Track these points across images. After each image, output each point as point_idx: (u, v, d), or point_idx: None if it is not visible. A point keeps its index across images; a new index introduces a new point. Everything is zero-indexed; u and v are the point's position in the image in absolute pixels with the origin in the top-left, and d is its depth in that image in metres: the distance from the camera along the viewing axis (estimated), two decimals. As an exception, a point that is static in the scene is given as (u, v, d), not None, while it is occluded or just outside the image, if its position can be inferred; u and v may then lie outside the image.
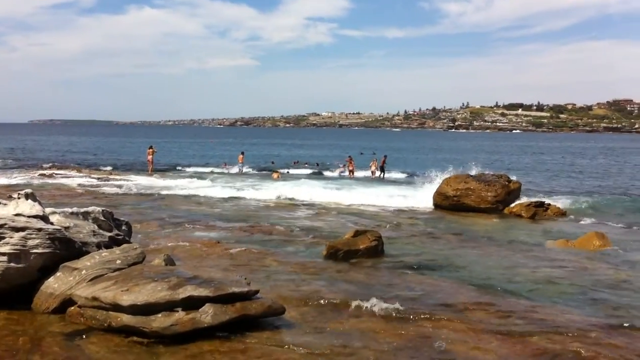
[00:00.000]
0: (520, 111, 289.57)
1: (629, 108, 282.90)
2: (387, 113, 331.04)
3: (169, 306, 7.28)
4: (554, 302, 9.69)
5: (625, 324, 8.55)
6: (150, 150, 39.38)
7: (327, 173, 41.50)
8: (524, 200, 22.16)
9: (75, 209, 9.87)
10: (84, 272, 8.23)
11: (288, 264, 11.95)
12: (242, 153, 42.46)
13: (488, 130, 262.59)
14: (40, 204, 8.89)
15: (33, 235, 8.21)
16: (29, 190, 9.00)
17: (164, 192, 25.24)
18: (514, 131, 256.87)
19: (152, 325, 7.17)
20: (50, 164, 41.23)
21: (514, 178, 23.96)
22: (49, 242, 8.34)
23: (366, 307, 8.78)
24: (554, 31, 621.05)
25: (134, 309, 7.28)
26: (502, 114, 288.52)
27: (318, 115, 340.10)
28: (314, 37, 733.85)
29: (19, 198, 8.78)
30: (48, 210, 9.26)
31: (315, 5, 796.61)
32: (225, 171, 41.00)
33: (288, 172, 41.25)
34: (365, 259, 12.79)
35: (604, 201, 22.15)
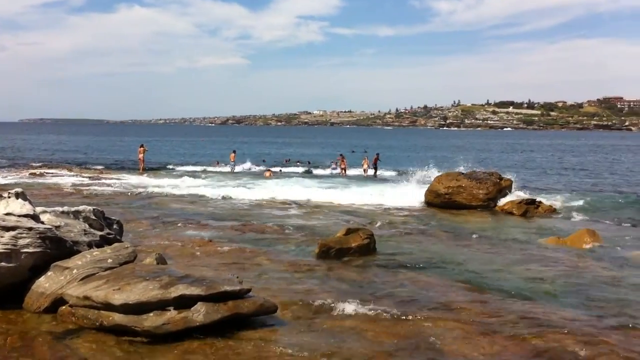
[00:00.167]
0: (511, 109, 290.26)
1: (619, 105, 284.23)
2: (379, 111, 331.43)
3: (160, 305, 7.26)
4: (546, 299, 9.72)
5: (618, 322, 8.60)
6: (142, 149, 39.21)
7: (318, 171, 41.48)
8: (515, 197, 22.21)
9: (66, 208, 9.82)
10: (75, 271, 8.19)
11: (280, 263, 11.94)
12: (234, 152, 42.38)
13: (479, 128, 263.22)
14: (30, 203, 8.85)
15: (24, 235, 8.17)
16: (19, 190, 8.96)
17: (155, 191, 25.16)
18: (505, 129, 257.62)
19: (144, 324, 7.15)
20: (41, 163, 41.05)
21: (505, 175, 24.03)
22: (39, 241, 8.30)
23: (359, 306, 8.77)
24: (544, 29, 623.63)
25: (126, 308, 7.25)
26: (493, 112, 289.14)
27: (309, 113, 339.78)
28: (305, 35, 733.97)
29: (9, 197, 8.74)
30: (39, 209, 9.21)
31: (306, 4, 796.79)
32: (217, 170, 40.90)
33: (281, 170, 41.18)
34: (357, 257, 12.79)
35: (595, 198, 22.24)
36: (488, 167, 39.31)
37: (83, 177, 31.50)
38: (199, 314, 7.24)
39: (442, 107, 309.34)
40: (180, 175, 34.21)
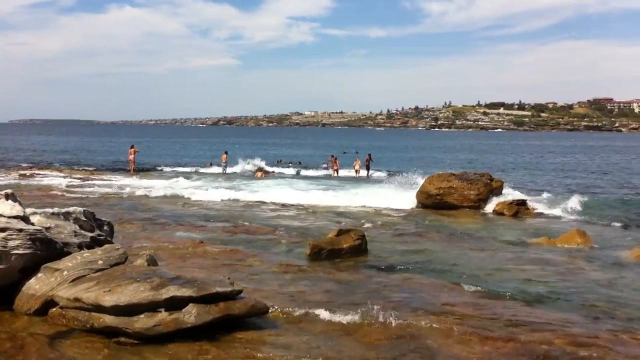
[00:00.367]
0: (502, 110, 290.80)
1: (609, 107, 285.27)
2: (370, 112, 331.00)
3: (151, 306, 7.23)
4: (537, 300, 9.75)
5: (609, 323, 8.65)
6: (132, 150, 39.10)
7: (310, 172, 41.45)
8: (506, 198, 22.27)
9: (56, 209, 9.78)
10: (65, 273, 8.16)
11: (272, 264, 11.94)
12: (226, 152, 42.26)
13: (470, 129, 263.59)
14: (20, 204, 8.80)
15: (14, 236, 8.13)
16: (9, 191, 8.91)
17: (146, 192, 25.07)
18: (496, 130, 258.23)
19: (134, 325, 7.13)
20: (31, 164, 40.85)
21: (496, 176, 24.10)
22: (29, 242, 8.26)
23: (350, 308, 8.78)
24: (535, 31, 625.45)
25: (117, 310, 7.23)
26: (484, 113, 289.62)
27: (301, 114, 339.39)
28: (296, 36, 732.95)
29: (-1, 198, 8.68)
30: (29, 210, 9.16)
31: (297, 5, 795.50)
32: (209, 171, 40.81)
33: (274, 172, 41.14)
34: (348, 258, 12.81)
35: (586, 199, 22.30)
36: (479, 168, 39.47)
37: (73, 178, 31.37)
38: (190, 315, 7.23)
39: (433, 108, 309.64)
40: (172, 177, 34.11)
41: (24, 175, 32.15)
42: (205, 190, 26.06)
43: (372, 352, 7.12)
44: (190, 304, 7.30)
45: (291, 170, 42.30)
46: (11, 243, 8.08)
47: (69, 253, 8.72)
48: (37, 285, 8.16)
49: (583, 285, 11.00)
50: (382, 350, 7.21)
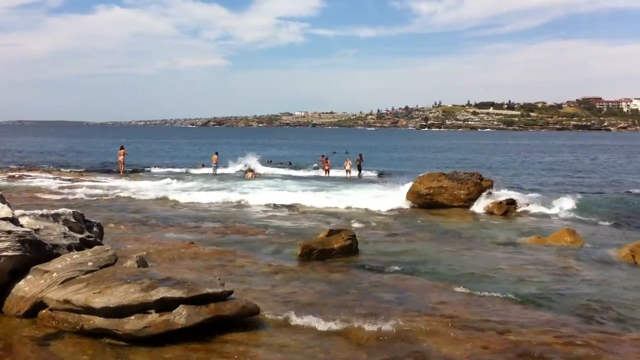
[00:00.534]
0: (491, 110, 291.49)
1: (598, 106, 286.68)
2: (360, 112, 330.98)
3: (142, 308, 7.21)
4: (527, 299, 9.77)
5: (598, 321, 8.71)
6: (122, 151, 38.96)
7: (300, 172, 41.39)
8: (496, 197, 22.34)
9: (45, 211, 9.74)
10: (55, 274, 8.12)
11: (262, 265, 11.92)
12: (217, 153, 42.14)
13: (460, 129, 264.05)
14: (9, 206, 8.76)
15: (2, 238, 8.08)
16: (-3, 193, 8.85)
17: (136, 193, 25.00)
18: (485, 130, 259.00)
19: (125, 327, 7.10)
20: (20, 166, 40.60)
21: (486, 176, 24.17)
22: (18, 244, 8.21)
23: (341, 308, 8.78)
24: (524, 30, 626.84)
25: (107, 312, 7.20)
26: (474, 113, 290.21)
27: (291, 114, 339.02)
28: (285, 36, 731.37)
29: (-13, 200, 8.63)
30: (17, 212, 9.12)
31: (286, 5, 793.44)
32: (199, 172, 40.70)
33: (264, 173, 41.05)
34: (339, 258, 12.82)
35: (576, 198, 22.40)
36: (469, 167, 39.59)
37: (63, 179, 31.20)
38: (181, 316, 7.21)
39: (423, 108, 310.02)
40: (162, 178, 33.98)
41: (13, 176, 31.93)
42: (195, 192, 25.99)
43: (363, 353, 7.13)
44: (181, 305, 7.28)
45: (282, 171, 42.24)
46: (0, 245, 8.03)
47: (58, 255, 8.68)
48: (27, 287, 8.12)
49: (573, 284, 11.06)
50: (372, 350, 7.21)
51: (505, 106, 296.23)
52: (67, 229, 9.54)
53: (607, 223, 19.27)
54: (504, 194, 22.95)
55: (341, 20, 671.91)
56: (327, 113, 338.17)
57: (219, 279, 8.37)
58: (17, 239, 8.20)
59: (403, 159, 60.70)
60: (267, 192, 25.98)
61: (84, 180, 31.05)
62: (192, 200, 23.24)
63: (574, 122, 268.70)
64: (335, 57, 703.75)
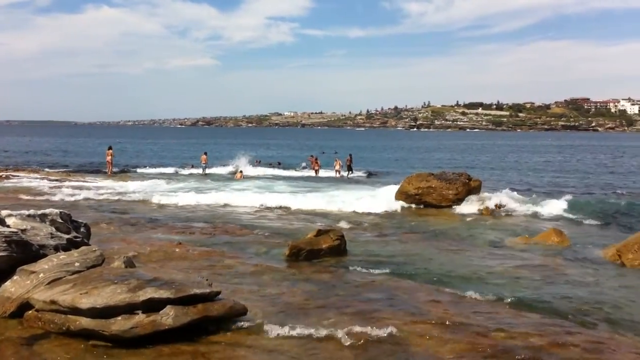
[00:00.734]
0: (480, 110, 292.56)
1: (585, 107, 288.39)
2: (350, 112, 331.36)
3: (129, 309, 7.18)
4: (514, 299, 9.81)
5: (584, 321, 8.76)
6: (110, 151, 38.83)
7: (290, 173, 41.40)
8: (484, 197, 22.42)
9: (32, 211, 9.69)
10: (41, 275, 8.07)
11: (250, 265, 11.90)
12: (205, 153, 42.10)
13: (449, 129, 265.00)
14: (-5, 206, 8.71)
15: (-12, 239, 8.03)
16: (-17, 193, 8.81)
17: (124, 194, 24.92)
18: (474, 130, 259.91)
19: (111, 328, 7.07)
20: (7, 166, 40.35)
21: (474, 176, 24.27)
22: (5, 245, 8.17)
23: (329, 308, 8.79)
24: (512, 31, 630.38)
25: (93, 312, 7.16)
26: (463, 113, 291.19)
27: (280, 114, 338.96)
28: (275, 36, 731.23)
29: (-27, 201, 8.58)
30: (4, 212, 9.08)
31: (276, 5, 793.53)
32: (188, 172, 40.62)
33: (253, 174, 40.98)
34: (328, 258, 12.83)
35: (563, 198, 22.55)
36: (457, 167, 39.72)
37: (50, 179, 31.02)
38: (168, 317, 7.19)
39: (412, 108, 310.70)
40: (150, 178, 33.90)
41: (0, 176, 31.74)
42: (184, 192, 25.93)
43: (350, 354, 7.13)
44: (168, 306, 7.26)
45: (271, 171, 42.21)
46: (-14, 246, 7.99)
47: (45, 255, 8.64)
48: (13, 288, 8.07)
49: (560, 284, 11.11)
50: (360, 352, 7.21)
51: (494, 107, 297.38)
52: (54, 229, 9.49)
53: (594, 223, 19.41)
54: (492, 194, 23.05)
55: (331, 20, 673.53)
56: (316, 113, 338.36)
57: (207, 280, 8.36)
58: (3, 240, 8.16)
59: (392, 159, 60.86)
60: (256, 192, 25.96)
61: (72, 181, 30.90)
62: (181, 201, 23.16)
63: (562, 123, 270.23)
64: (325, 58, 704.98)
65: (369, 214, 20.94)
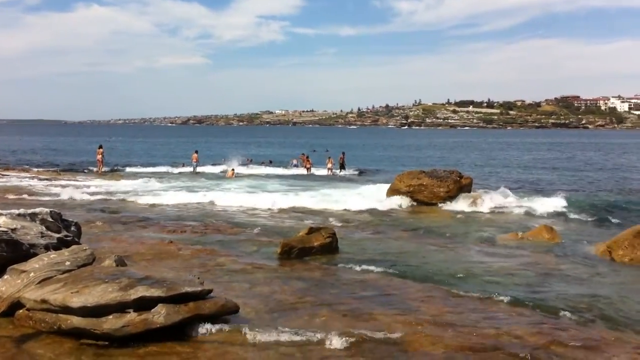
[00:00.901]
0: (471, 108, 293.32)
1: (576, 104, 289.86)
2: (341, 110, 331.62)
3: (120, 307, 7.16)
4: (504, 294, 9.84)
5: (574, 316, 8.80)
6: (100, 150, 38.69)
7: (281, 171, 41.37)
8: (475, 195, 22.50)
9: (22, 210, 9.64)
10: (32, 274, 8.04)
11: (242, 263, 11.89)
12: (196, 152, 42.02)
13: (440, 127, 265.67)
14: (-15, 205, 8.66)
15: (-22, 238, 7.99)
16: (-27, 192, 8.76)
17: (114, 193, 24.83)
18: (465, 128, 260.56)
19: (103, 327, 7.05)
20: (-4, 165, 40.12)
21: (465, 173, 24.34)
22: (-5, 244, 8.12)
23: (320, 305, 8.79)
24: (502, 29, 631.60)
25: (84, 311, 7.14)
26: (454, 111, 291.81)
27: (271, 113, 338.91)
28: (266, 35, 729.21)
29: (-38, 200, 8.54)
30: (-7, 212, 9.02)
31: (266, 4, 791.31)
32: (179, 171, 40.49)
33: (245, 173, 40.93)
34: (319, 256, 12.83)
35: (554, 195, 22.67)
36: (449, 165, 39.82)
37: (40, 179, 30.89)
38: (160, 315, 7.17)
39: (403, 106, 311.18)
40: (140, 177, 33.78)
41: (-11, 176, 31.55)
42: (175, 191, 25.87)
43: (343, 349, 7.14)
44: (160, 304, 7.24)
45: (262, 169, 42.14)
46: (-25, 245, 7.95)
47: (35, 254, 8.60)
48: (3, 287, 8.03)
49: (551, 281, 11.16)
50: (352, 346, 7.22)
51: (485, 104, 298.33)
52: (44, 228, 9.45)
53: (584, 220, 19.52)
54: (483, 192, 23.15)
55: (322, 19, 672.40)
56: (307, 111, 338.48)
57: (198, 278, 8.35)
58: (-7, 239, 8.12)
59: (383, 157, 60.89)
60: (247, 190, 25.94)
61: (62, 180, 30.75)
62: (172, 200, 23.08)
63: (553, 120, 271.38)
64: (316, 56, 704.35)
65: (361, 211, 20.93)
